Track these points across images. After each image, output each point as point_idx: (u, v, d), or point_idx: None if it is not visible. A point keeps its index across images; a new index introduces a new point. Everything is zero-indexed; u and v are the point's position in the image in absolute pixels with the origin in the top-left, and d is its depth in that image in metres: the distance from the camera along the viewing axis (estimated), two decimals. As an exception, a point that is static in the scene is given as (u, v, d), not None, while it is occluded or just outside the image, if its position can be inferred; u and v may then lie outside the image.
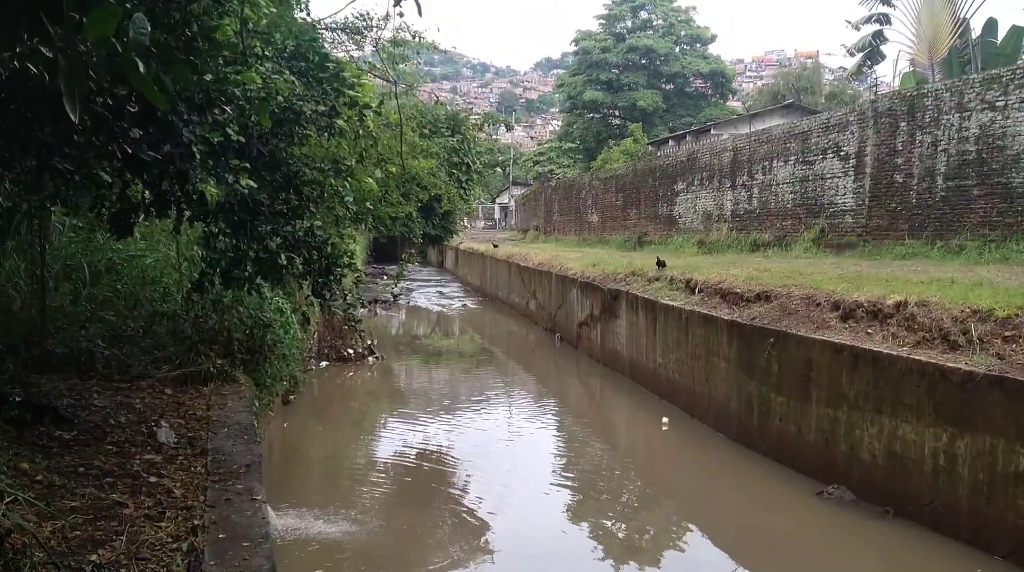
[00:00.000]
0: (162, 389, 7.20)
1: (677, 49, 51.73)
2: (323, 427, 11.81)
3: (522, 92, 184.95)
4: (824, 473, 8.58)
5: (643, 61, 51.12)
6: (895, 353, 7.67)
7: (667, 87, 52.10)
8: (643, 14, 52.95)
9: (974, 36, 25.65)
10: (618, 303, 15.38)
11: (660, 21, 52.51)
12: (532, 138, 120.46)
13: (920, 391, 7.31)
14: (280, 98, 5.95)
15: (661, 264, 14.81)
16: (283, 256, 6.51)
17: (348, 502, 8.45)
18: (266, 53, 6.28)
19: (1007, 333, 7.11)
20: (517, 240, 43.13)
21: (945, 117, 13.77)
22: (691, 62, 50.57)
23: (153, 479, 4.83)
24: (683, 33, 52.27)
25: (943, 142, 13.81)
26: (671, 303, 12.74)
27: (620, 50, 50.36)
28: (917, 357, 7.43)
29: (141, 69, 2.23)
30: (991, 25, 25.10)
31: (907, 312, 8.15)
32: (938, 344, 7.56)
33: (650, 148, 39.34)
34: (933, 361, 7.24)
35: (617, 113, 52.95)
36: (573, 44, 53.96)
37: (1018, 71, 12.63)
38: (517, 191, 63.89)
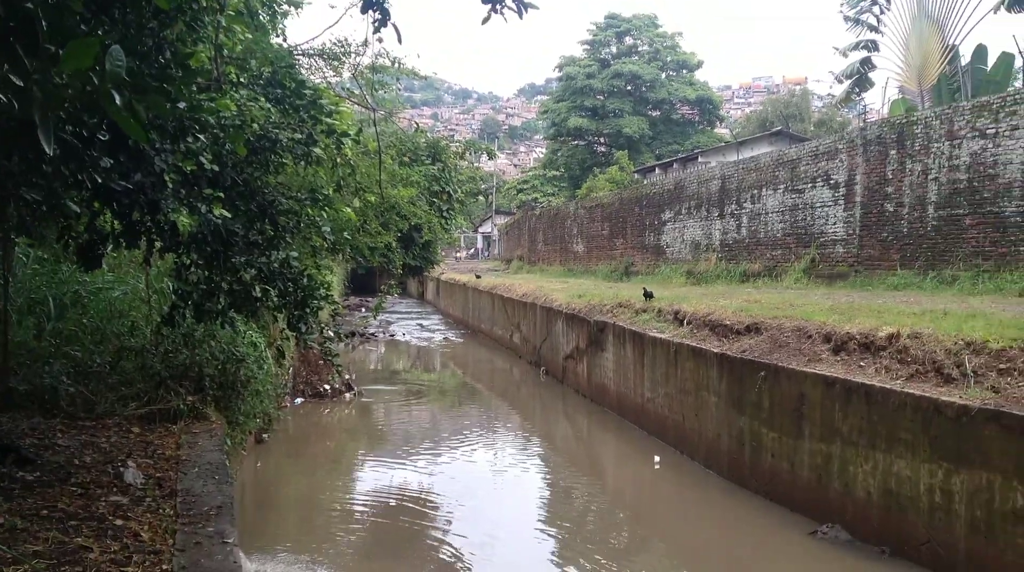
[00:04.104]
0: (129, 427, 7.14)
1: (663, 75, 52.57)
2: (298, 467, 11.71)
3: (505, 119, 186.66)
4: (818, 511, 8.59)
5: (628, 87, 51.91)
6: (888, 387, 7.74)
7: (653, 114, 52.86)
8: (628, 40, 53.92)
9: (963, 63, 26.20)
10: (605, 336, 15.43)
11: (645, 47, 53.46)
12: (516, 166, 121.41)
13: (915, 426, 7.37)
14: (255, 126, 6.01)
15: (648, 295, 14.89)
16: (258, 288, 6.53)
17: (324, 547, 8.36)
18: (241, 80, 6.37)
19: (1002, 366, 7.21)
20: (500, 270, 43.23)
21: (935, 145, 14.05)
22: (677, 88, 51.39)
23: (119, 522, 4.78)
24: (669, 59, 53.17)
25: (934, 171, 14.08)
26: (659, 335, 12.79)
27: (605, 76, 51.17)
28: (911, 391, 7.50)
29: (117, 101, 2.28)
30: (980, 52, 25.62)
31: (900, 344, 8.24)
32: (932, 377, 7.64)
33: (636, 176, 39.77)
34: (927, 395, 7.31)
35: (602, 140, 53.58)
36: (557, 70, 54.81)
37: (1008, 98, 12.92)
38: (500, 220, 64.25)
